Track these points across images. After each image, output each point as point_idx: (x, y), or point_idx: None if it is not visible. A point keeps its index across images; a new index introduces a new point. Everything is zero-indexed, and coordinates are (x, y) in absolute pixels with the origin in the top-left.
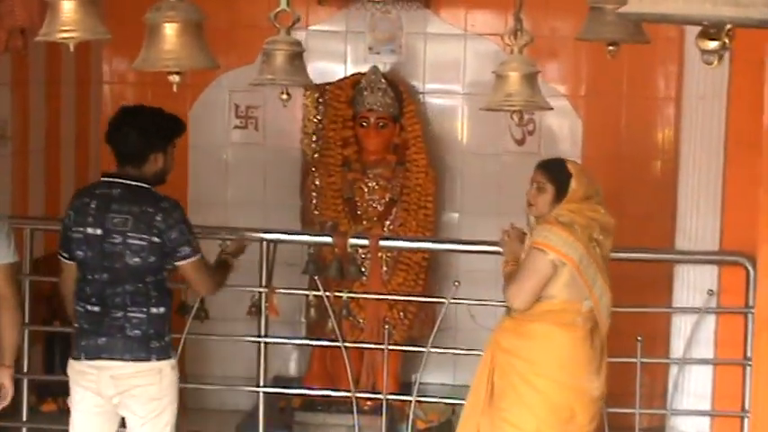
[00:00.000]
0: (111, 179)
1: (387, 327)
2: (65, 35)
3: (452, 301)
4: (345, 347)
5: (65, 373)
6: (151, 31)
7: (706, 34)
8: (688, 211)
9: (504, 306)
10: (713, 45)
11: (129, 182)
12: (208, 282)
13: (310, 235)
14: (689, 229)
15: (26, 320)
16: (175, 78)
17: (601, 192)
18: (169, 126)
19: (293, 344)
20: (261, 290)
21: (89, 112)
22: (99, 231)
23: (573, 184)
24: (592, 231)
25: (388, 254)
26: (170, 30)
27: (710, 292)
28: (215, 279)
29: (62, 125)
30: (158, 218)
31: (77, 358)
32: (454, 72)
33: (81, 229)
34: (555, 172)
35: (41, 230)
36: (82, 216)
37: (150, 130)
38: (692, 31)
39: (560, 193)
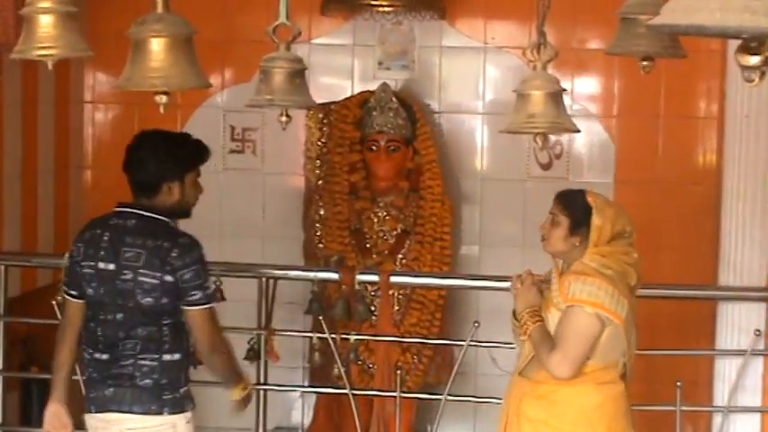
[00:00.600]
0: (126, 209)
1: (399, 372)
2: (43, 52)
3: (472, 343)
4: (353, 395)
5: (41, 424)
6: (136, 47)
7: (746, 48)
8: (732, 242)
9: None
10: (754, 60)
11: (145, 213)
12: (213, 337)
13: (314, 271)
14: (733, 262)
15: (1, 366)
16: (163, 99)
17: (632, 230)
18: (187, 152)
19: (296, 391)
20: (259, 332)
21: (69, 135)
22: (112, 266)
23: (596, 220)
24: (630, 280)
25: (401, 291)
26: (157, 45)
27: (758, 333)
28: (219, 337)
29: (40, 149)
30: (174, 254)
31: (89, 411)
32: (473, 89)
33: (92, 263)
34: (571, 203)
35: (17, 267)
36: (93, 249)
37: (162, 157)
38: (736, 42)
39: (575, 228)
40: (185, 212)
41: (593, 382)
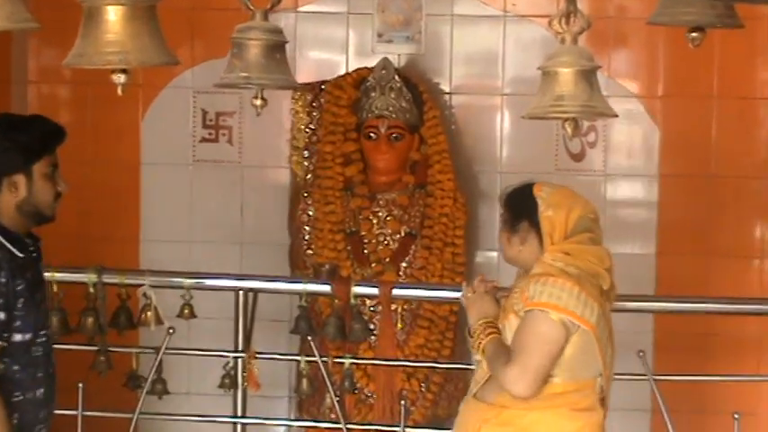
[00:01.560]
0: None
1: (403, 402)
2: None
3: None
4: (349, 430)
5: None
6: (89, 18)
7: None
8: None
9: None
10: None
11: None
12: None
13: (302, 282)
14: None
15: None
16: (121, 78)
17: (597, 216)
18: (30, 136)
19: (281, 426)
20: (237, 355)
21: None
22: None
23: (545, 212)
24: (601, 282)
25: (405, 306)
26: (114, 15)
27: None
28: None
29: None
30: None
31: None
32: (490, 66)
33: None
34: (509, 200)
35: None
36: None
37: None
38: None
39: (513, 227)
40: (40, 215)
41: (568, 408)
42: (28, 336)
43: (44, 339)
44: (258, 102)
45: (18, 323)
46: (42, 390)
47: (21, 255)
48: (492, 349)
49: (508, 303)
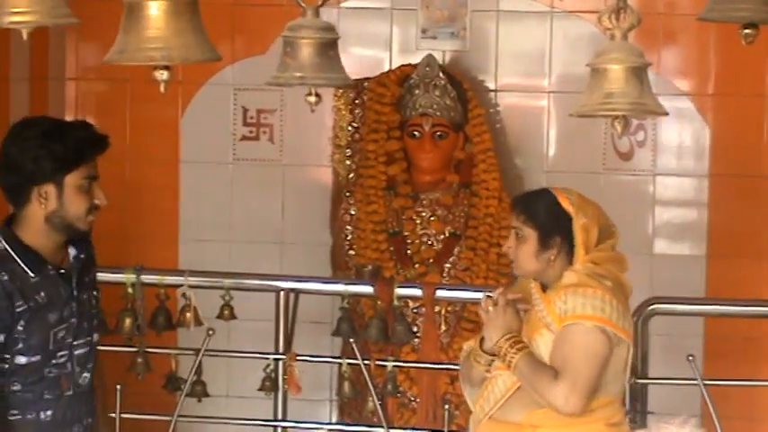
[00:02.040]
0: None
1: (447, 407)
2: (16, 18)
3: None
4: None
5: None
6: (130, 13)
7: None
8: None
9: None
10: None
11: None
12: None
13: (344, 283)
14: None
15: None
16: (163, 75)
17: (613, 223)
18: (65, 145)
19: (321, 429)
20: (277, 357)
21: None
22: None
23: (579, 221)
24: (627, 292)
25: (449, 308)
26: (156, 10)
27: None
28: None
29: None
30: None
31: None
32: (537, 63)
33: None
34: (534, 211)
35: None
36: None
37: (31, 151)
38: None
39: (546, 240)
40: (70, 228)
41: (604, 423)
42: (36, 357)
43: (63, 360)
44: (312, 99)
45: (20, 345)
46: (51, 412)
47: (32, 275)
48: (529, 366)
49: (534, 316)
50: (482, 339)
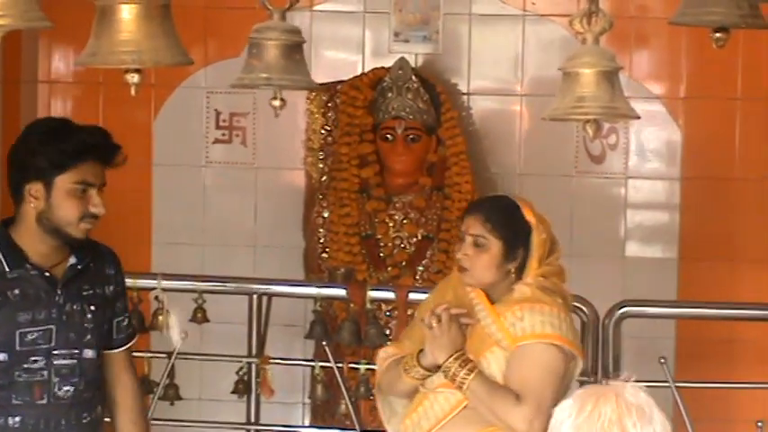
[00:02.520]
0: None
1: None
2: None
3: None
4: None
5: None
6: (102, 17)
7: None
8: None
9: None
10: None
11: None
12: None
13: (317, 286)
14: None
15: None
16: (134, 78)
17: (558, 241)
18: (63, 145)
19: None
20: (250, 360)
21: (19, 122)
22: None
23: (539, 235)
24: (570, 304)
25: None
26: (128, 13)
27: None
28: None
29: None
30: None
31: None
32: (510, 67)
33: None
34: (505, 221)
35: None
36: None
37: (30, 147)
38: None
39: (511, 252)
40: (61, 233)
41: None
42: (2, 356)
43: (38, 367)
44: (277, 102)
45: None
46: (20, 418)
47: (8, 270)
48: (484, 388)
49: (481, 332)
50: (419, 351)
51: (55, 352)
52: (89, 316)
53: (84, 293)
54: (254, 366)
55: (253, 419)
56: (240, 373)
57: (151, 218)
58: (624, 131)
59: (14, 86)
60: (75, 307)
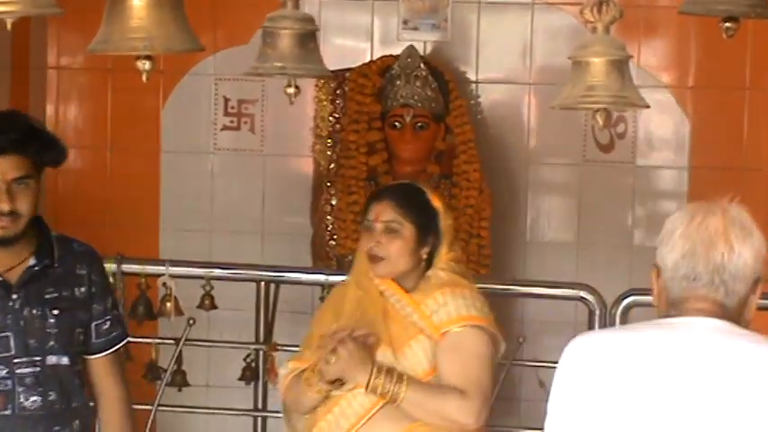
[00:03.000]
0: None
1: None
2: (0, 9)
3: (515, 362)
4: None
5: None
6: (113, 3)
7: None
8: None
9: None
10: None
11: None
12: None
13: (324, 273)
14: None
15: None
16: (146, 65)
17: None
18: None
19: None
20: (258, 347)
21: (28, 108)
22: None
23: (447, 219)
24: None
25: None
26: (138, 1)
27: None
28: None
29: None
30: None
31: None
32: (518, 55)
33: None
34: (415, 205)
35: None
36: None
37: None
38: None
39: (424, 236)
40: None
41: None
42: None
43: (2, 376)
44: (292, 90)
45: None
46: None
47: None
48: (422, 394)
49: (404, 322)
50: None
51: (16, 360)
52: (51, 320)
53: (47, 296)
54: (261, 353)
55: (260, 406)
56: (248, 359)
57: (159, 204)
58: (632, 120)
59: (24, 72)
60: (34, 311)
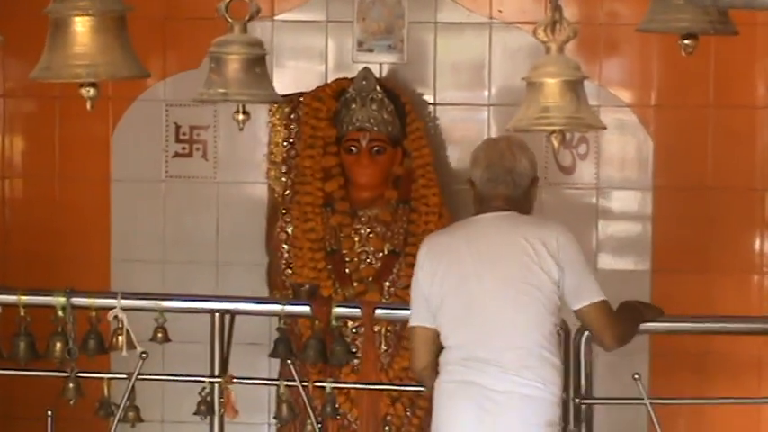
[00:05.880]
0: None
1: (388, 428)
2: None
3: None
4: None
5: None
6: (56, 29)
7: None
8: None
9: None
10: None
11: None
12: None
13: (281, 303)
14: None
15: None
16: (90, 92)
17: None
18: None
19: None
20: (213, 380)
21: None
22: None
23: None
24: None
25: (389, 328)
26: (82, 26)
27: None
28: None
29: None
30: None
31: None
32: (476, 76)
33: None
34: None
35: None
36: None
37: None
38: None
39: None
40: None
41: None
42: None
43: None
44: (240, 116)
45: None
46: None
47: None
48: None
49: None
50: None
51: None
52: None
53: None
54: (216, 387)
55: None
56: (203, 393)
57: (110, 235)
58: (595, 141)
59: None
60: None
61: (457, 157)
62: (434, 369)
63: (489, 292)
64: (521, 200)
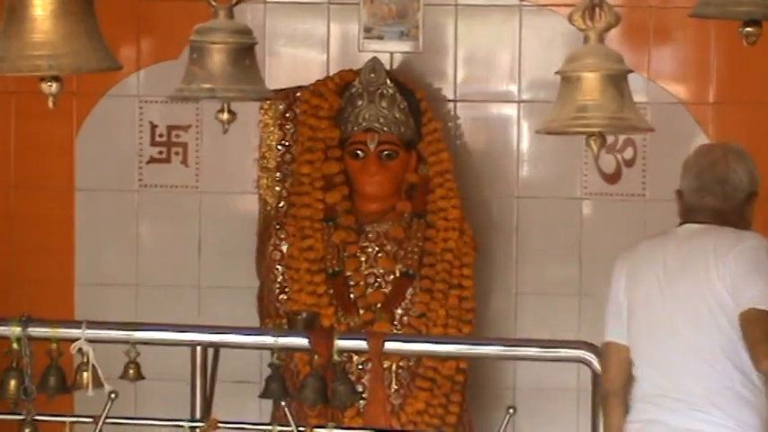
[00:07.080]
0: None
1: None
2: None
3: None
4: None
5: None
6: (11, 14)
7: None
8: None
9: None
10: None
11: None
12: None
13: (273, 335)
14: None
15: None
16: (52, 87)
17: None
18: None
19: None
20: (194, 425)
21: None
22: None
23: None
24: None
25: (401, 363)
26: (41, 10)
27: None
28: None
29: None
30: None
31: None
32: (504, 67)
33: None
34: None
35: None
36: None
37: None
38: None
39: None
40: None
41: None
42: None
43: None
44: (225, 116)
45: None
46: None
47: None
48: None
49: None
50: None
51: None
52: None
53: None
54: (198, 431)
55: None
56: None
57: (74, 253)
58: (643, 144)
59: None
60: None
61: (481, 162)
62: (624, 397)
63: (672, 315)
64: (731, 215)
